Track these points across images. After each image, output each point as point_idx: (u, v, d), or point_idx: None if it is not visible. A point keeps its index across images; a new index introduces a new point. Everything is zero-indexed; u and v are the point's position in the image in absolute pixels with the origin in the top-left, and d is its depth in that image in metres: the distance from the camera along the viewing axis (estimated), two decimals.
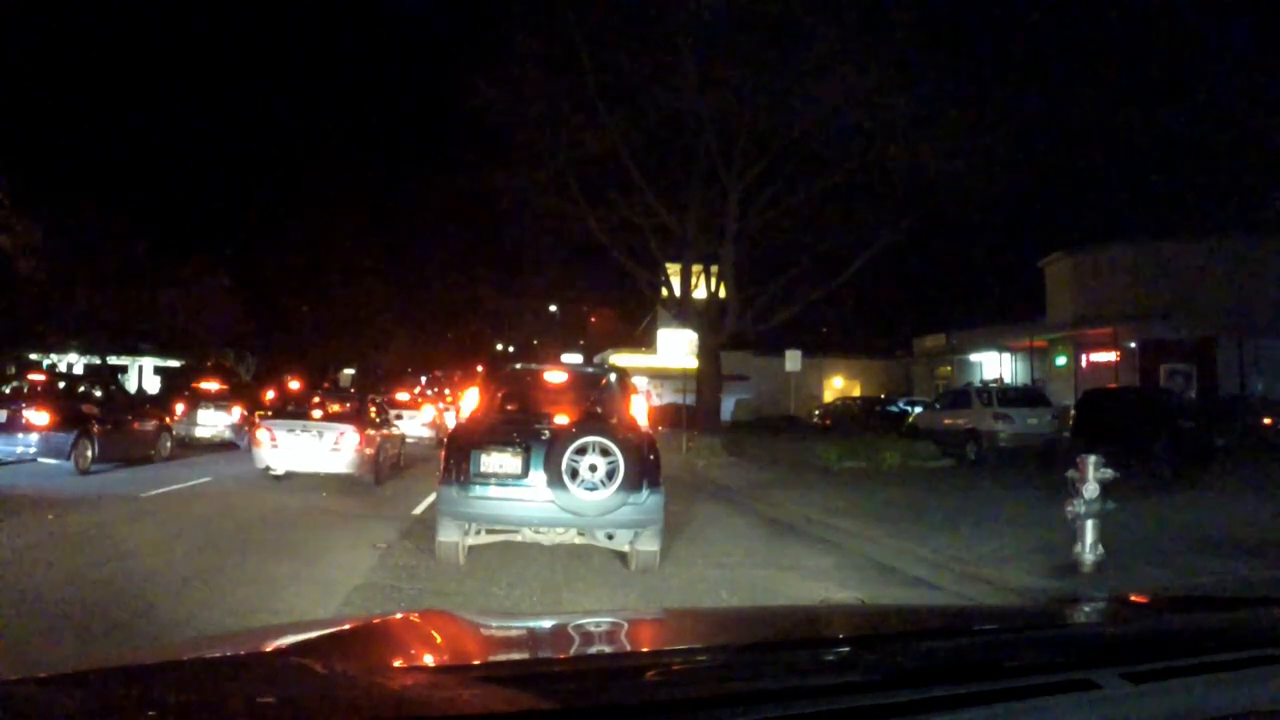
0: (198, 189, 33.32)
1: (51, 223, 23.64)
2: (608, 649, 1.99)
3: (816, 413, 35.84)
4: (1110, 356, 26.58)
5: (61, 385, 17.86)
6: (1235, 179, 23.81)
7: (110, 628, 5.00)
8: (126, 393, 24.32)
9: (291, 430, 12.92)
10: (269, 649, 1.68)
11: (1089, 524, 6.78)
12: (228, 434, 19.02)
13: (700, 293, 22.99)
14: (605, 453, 6.64)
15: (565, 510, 6.65)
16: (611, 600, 6.50)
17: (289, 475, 12.93)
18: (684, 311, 23.26)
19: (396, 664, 1.63)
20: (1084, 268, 28.54)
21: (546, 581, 6.89)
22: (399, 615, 3.09)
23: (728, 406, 31.65)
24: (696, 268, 22.94)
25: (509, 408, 7.86)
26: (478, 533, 7.16)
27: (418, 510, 10.49)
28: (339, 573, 6.83)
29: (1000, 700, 1.33)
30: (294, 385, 29.48)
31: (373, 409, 15.49)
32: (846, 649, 1.63)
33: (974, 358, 35.59)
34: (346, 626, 2.10)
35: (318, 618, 5.12)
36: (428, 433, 22.99)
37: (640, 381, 14.43)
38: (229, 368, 35.43)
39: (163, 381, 37.78)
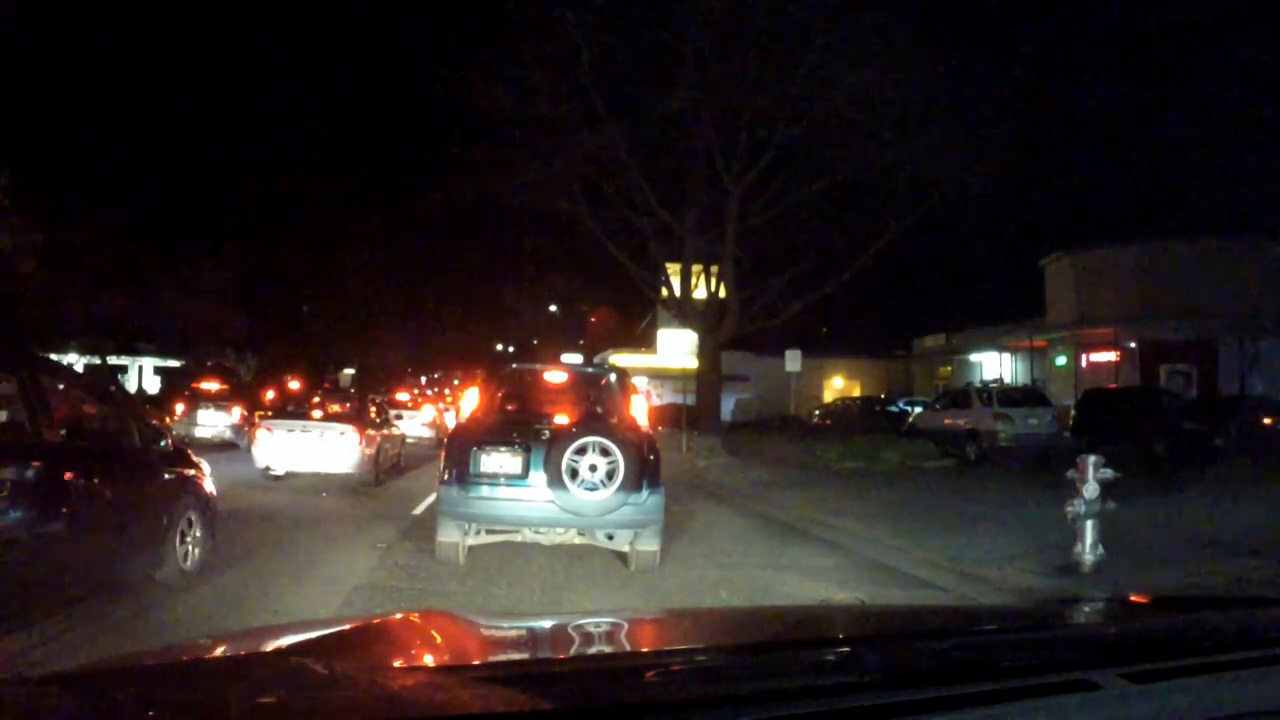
0: (198, 189, 33.29)
1: (51, 223, 23.63)
2: (608, 649, 1.99)
3: (816, 413, 35.80)
4: (1110, 356, 26.57)
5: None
6: (1235, 179, 23.83)
7: (108, 627, 5.00)
8: (126, 393, 24.32)
9: (291, 430, 12.92)
10: (269, 649, 1.69)
11: (1089, 524, 6.77)
12: (228, 434, 19.02)
13: (700, 293, 23.00)
14: (605, 453, 6.64)
15: (565, 510, 6.64)
16: (611, 600, 6.50)
17: (289, 475, 12.93)
18: (684, 311, 23.27)
19: (396, 664, 1.63)
20: (1084, 268, 28.50)
21: (546, 581, 6.89)
22: (399, 615, 3.09)
23: (728, 406, 31.64)
24: (696, 268, 22.94)
25: (509, 408, 7.85)
26: (478, 533, 7.15)
27: (418, 510, 10.49)
28: (339, 573, 6.83)
29: (1000, 700, 1.33)
30: (294, 385, 29.50)
31: (373, 409, 15.50)
32: (846, 649, 1.63)
33: (974, 358, 35.59)
34: (346, 626, 2.10)
35: (318, 618, 5.12)
36: (428, 433, 23.01)
37: (640, 381, 14.43)
38: (229, 368, 35.42)
39: (163, 381, 37.79)
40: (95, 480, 5.06)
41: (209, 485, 6.76)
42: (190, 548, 6.11)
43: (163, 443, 6.32)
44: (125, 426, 5.89)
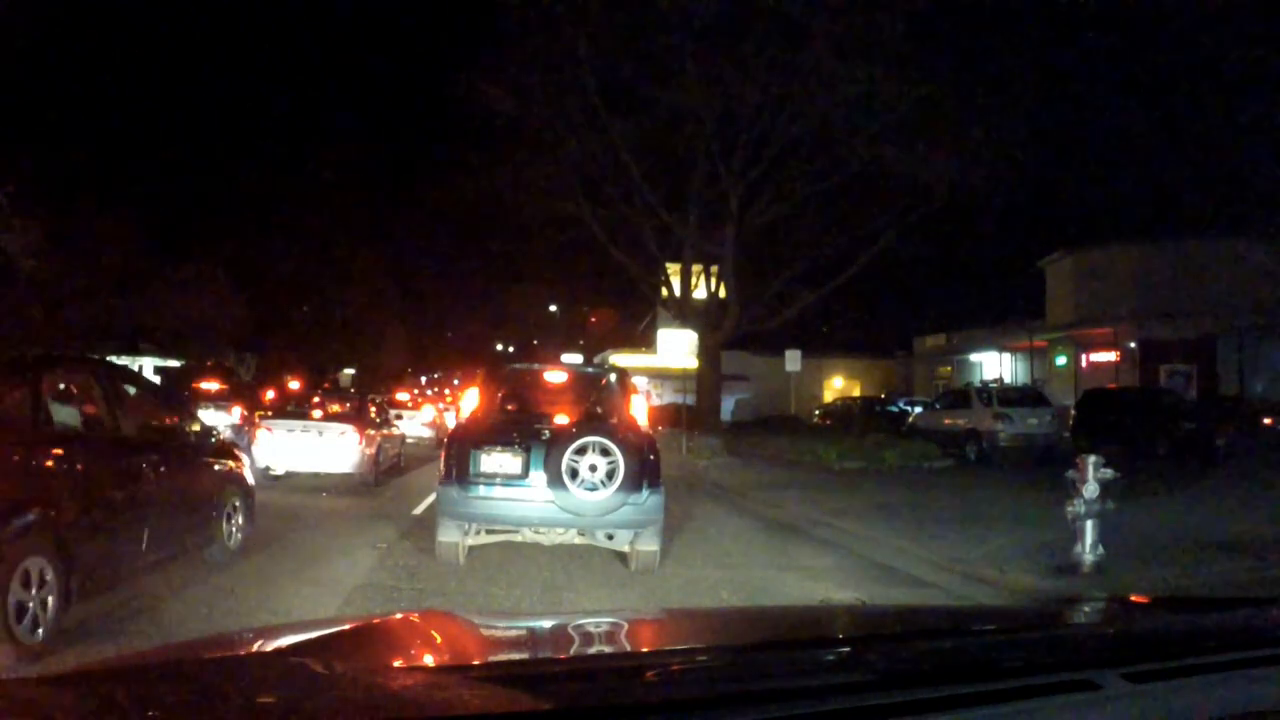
0: (198, 189, 33.31)
1: (52, 223, 23.61)
2: (608, 649, 1.99)
3: (816, 413, 35.81)
4: (1110, 356, 26.58)
5: None
6: (1235, 179, 23.79)
7: (108, 625, 5.00)
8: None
9: (291, 430, 12.92)
10: (269, 649, 1.69)
11: (1089, 524, 6.77)
12: (227, 434, 19.00)
13: (700, 293, 23.00)
14: (605, 453, 6.64)
15: (565, 510, 6.64)
16: (611, 600, 6.51)
17: (289, 475, 12.93)
18: (684, 311, 23.27)
19: (396, 664, 1.63)
20: (1084, 268, 28.51)
21: (546, 581, 6.89)
22: (399, 615, 3.09)
23: (728, 406, 31.62)
24: (696, 268, 22.94)
25: (509, 408, 7.85)
26: (478, 533, 7.15)
27: (418, 510, 10.48)
28: (339, 573, 6.83)
29: (1000, 700, 1.33)
30: (294, 385, 29.50)
31: (373, 409, 15.49)
32: (846, 649, 1.63)
33: (974, 358, 35.60)
34: (346, 626, 2.10)
35: (318, 618, 5.12)
36: (428, 433, 22.99)
37: (640, 381, 14.43)
38: (229, 368, 35.40)
39: (163, 381, 37.73)
40: (162, 469, 6.00)
41: (250, 476, 7.73)
42: (234, 529, 7.19)
43: (212, 438, 7.39)
44: (185, 423, 6.89)
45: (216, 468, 7.10)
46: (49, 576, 4.48)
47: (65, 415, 5.20)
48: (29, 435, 4.76)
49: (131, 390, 6.23)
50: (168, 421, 6.61)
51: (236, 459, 7.57)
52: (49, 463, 4.79)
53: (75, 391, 5.48)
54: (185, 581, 6.15)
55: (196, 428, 7.05)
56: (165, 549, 5.99)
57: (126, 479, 5.50)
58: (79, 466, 4.98)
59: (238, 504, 7.25)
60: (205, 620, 5.22)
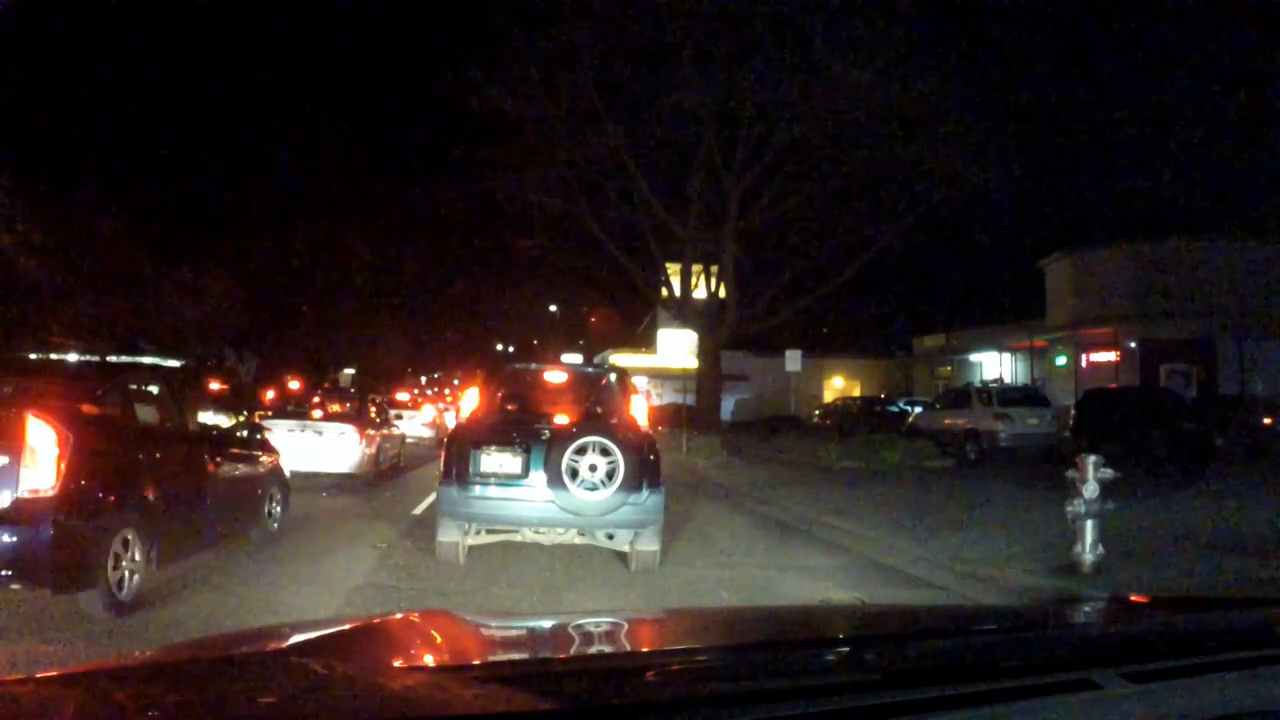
0: (198, 189, 33.21)
1: (51, 223, 23.59)
2: (608, 649, 1.99)
3: (816, 413, 35.85)
4: (1110, 356, 26.58)
5: None
6: (1235, 179, 23.82)
7: (110, 626, 5.00)
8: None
9: (292, 430, 12.90)
10: (269, 649, 1.69)
11: (1089, 524, 6.77)
12: None
13: (700, 293, 23.04)
14: (605, 453, 6.64)
15: (565, 510, 6.64)
16: (611, 600, 6.50)
17: (288, 475, 12.92)
18: (684, 311, 23.29)
19: (396, 664, 1.63)
20: (1084, 268, 28.52)
21: (546, 581, 6.89)
22: (399, 615, 3.09)
23: (728, 406, 31.65)
24: (696, 268, 22.98)
25: (509, 408, 7.84)
26: (478, 533, 7.15)
27: (418, 510, 10.49)
28: (339, 573, 6.83)
29: (1000, 700, 1.33)
30: (294, 385, 29.50)
31: (373, 409, 15.49)
32: (846, 649, 1.63)
33: (974, 358, 35.61)
34: (346, 626, 2.10)
35: (318, 618, 5.12)
36: (428, 433, 23.00)
37: (640, 381, 14.43)
38: (229, 368, 35.39)
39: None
40: (219, 460, 7.02)
41: (286, 468, 8.81)
42: (275, 514, 8.16)
43: (257, 435, 8.43)
44: (236, 421, 8.07)
45: (261, 460, 8.09)
46: (136, 545, 5.40)
47: (145, 413, 6.13)
48: (121, 429, 5.73)
49: (193, 390, 7.38)
50: (223, 420, 7.67)
51: (275, 453, 8.54)
52: (135, 452, 5.74)
53: (153, 393, 6.35)
54: (184, 582, 6.17)
55: (242, 419, 8.20)
56: (222, 528, 6.96)
57: (193, 468, 6.51)
58: (157, 456, 5.96)
59: (276, 493, 8.21)
60: (203, 622, 5.22)
